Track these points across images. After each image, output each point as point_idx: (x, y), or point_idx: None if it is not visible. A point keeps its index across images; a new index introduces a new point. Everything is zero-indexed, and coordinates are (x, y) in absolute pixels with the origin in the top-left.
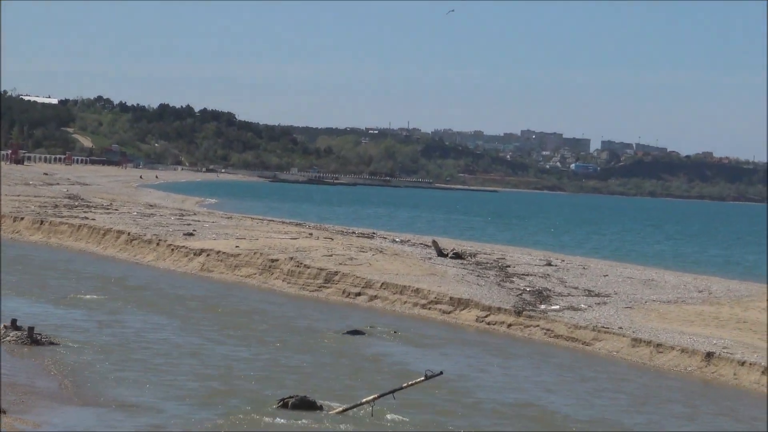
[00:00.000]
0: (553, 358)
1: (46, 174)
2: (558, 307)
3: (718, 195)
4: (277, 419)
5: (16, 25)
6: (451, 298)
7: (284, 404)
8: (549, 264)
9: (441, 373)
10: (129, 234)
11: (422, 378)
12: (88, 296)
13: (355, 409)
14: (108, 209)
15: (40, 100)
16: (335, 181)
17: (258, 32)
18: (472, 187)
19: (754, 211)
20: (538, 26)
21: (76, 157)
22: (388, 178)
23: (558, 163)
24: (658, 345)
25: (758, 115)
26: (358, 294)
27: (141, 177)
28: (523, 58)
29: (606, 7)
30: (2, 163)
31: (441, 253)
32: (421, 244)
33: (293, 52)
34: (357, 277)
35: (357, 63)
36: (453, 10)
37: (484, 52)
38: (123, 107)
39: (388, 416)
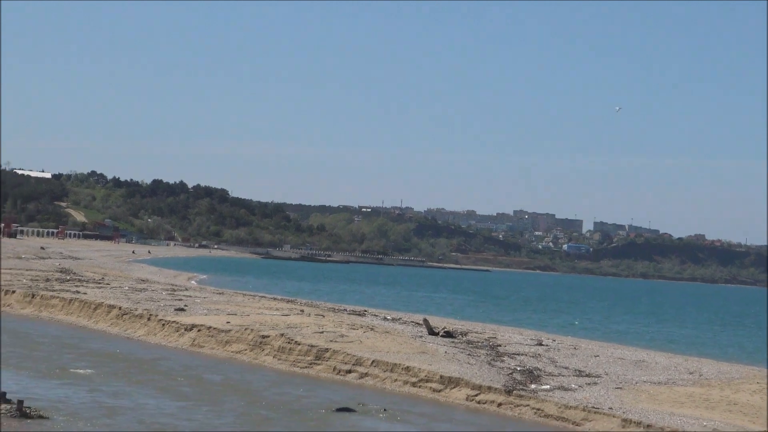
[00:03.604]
0: None
1: (43, 248)
2: (548, 386)
3: (710, 277)
4: None
5: (10, 100)
6: (441, 377)
7: None
8: (540, 344)
9: None
10: (120, 308)
11: None
12: (79, 370)
13: None
14: (99, 283)
15: (33, 174)
16: (327, 259)
17: (252, 110)
18: (464, 267)
19: (746, 294)
20: (533, 110)
21: (68, 232)
22: (380, 256)
23: (550, 244)
24: (648, 426)
25: (750, 199)
26: (349, 371)
27: (133, 252)
28: (518, 139)
29: (598, 92)
30: None
31: (432, 332)
32: (412, 322)
33: (287, 130)
34: (347, 354)
35: (351, 142)
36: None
37: (478, 134)
38: (116, 182)
39: None
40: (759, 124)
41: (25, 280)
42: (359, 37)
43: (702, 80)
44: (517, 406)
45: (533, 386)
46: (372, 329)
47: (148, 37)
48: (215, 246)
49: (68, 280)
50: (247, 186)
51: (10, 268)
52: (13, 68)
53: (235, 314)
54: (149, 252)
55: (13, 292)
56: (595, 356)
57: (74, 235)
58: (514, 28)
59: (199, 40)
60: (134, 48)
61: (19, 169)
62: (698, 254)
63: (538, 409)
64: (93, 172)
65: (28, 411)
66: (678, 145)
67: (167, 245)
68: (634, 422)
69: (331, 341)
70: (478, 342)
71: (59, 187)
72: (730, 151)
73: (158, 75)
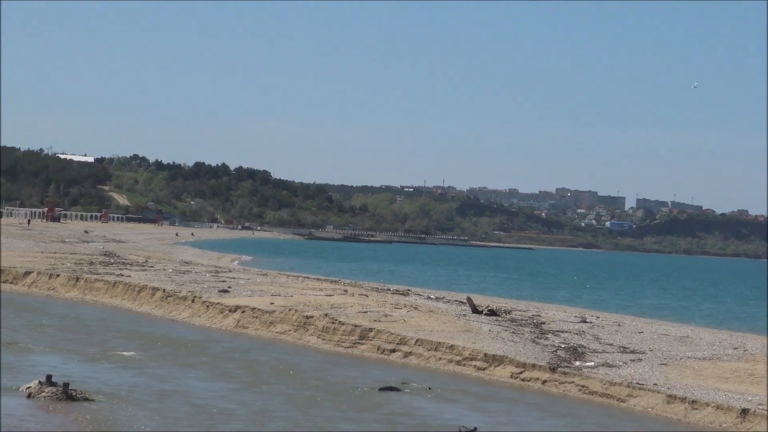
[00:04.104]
0: (588, 414)
1: (87, 232)
2: (593, 363)
3: (754, 253)
4: None
5: (52, 84)
6: (485, 355)
7: None
8: (584, 321)
9: (475, 429)
10: (164, 291)
11: None
12: (124, 352)
13: None
14: (143, 266)
15: (76, 158)
16: (370, 239)
17: (293, 91)
18: (507, 245)
19: None
20: (575, 85)
21: (111, 215)
22: (423, 235)
23: (593, 221)
24: (693, 401)
25: None
26: (393, 350)
27: (177, 234)
28: (559, 116)
29: (643, 67)
30: (39, 220)
31: (476, 310)
32: (456, 301)
33: (329, 110)
34: (391, 333)
35: (392, 121)
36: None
37: (519, 111)
38: (159, 165)
39: None
40: None
41: (69, 264)
42: (399, 14)
43: (745, 53)
44: (562, 383)
45: (577, 363)
46: (416, 308)
47: (187, 18)
48: (258, 228)
49: (112, 264)
50: (290, 167)
51: (54, 252)
52: (54, 51)
53: (279, 295)
54: (192, 234)
55: (58, 275)
56: (639, 333)
57: (117, 219)
58: (553, 4)
59: (238, 20)
60: (174, 28)
61: (62, 153)
62: (741, 230)
63: (583, 386)
64: (135, 156)
65: (73, 393)
66: (720, 121)
67: (210, 227)
68: (679, 398)
69: (374, 321)
70: (521, 320)
71: (102, 170)
72: None
73: (199, 56)
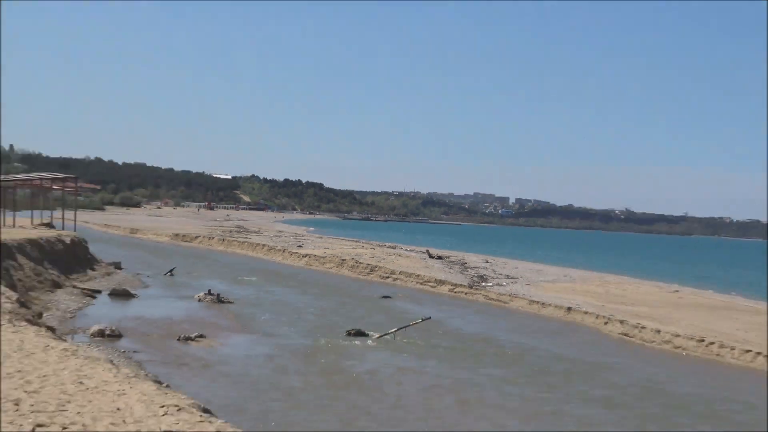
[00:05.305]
0: (489, 310)
1: (228, 216)
2: (491, 284)
3: (576, 226)
4: (344, 341)
5: (208, 118)
6: (436, 279)
7: (348, 333)
8: (486, 261)
9: (429, 317)
10: (268, 246)
11: (420, 320)
12: (247, 278)
13: (386, 336)
14: (258, 233)
15: (221, 176)
16: (375, 219)
17: (335, 131)
18: (448, 222)
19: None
20: (479, 130)
21: (241, 207)
22: (404, 217)
23: (492, 209)
24: (543, 303)
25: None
26: (387, 277)
27: (274, 217)
28: (476, 150)
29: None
30: (201, 210)
31: (431, 256)
32: (420, 251)
33: (354, 146)
34: (387, 268)
35: (390, 151)
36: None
37: (452, 145)
38: (265, 180)
39: (403, 339)
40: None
41: (219, 232)
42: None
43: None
44: (475, 294)
45: (483, 284)
46: (399, 255)
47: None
48: (318, 213)
49: (241, 232)
50: (334, 179)
51: (211, 226)
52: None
53: (328, 248)
54: (283, 217)
55: (212, 238)
56: (515, 268)
57: (244, 209)
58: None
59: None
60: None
61: (213, 173)
62: (576, 217)
63: (486, 296)
64: (254, 175)
65: (222, 299)
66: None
67: (292, 213)
68: (536, 301)
69: (378, 261)
70: (454, 262)
71: (235, 183)
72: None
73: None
